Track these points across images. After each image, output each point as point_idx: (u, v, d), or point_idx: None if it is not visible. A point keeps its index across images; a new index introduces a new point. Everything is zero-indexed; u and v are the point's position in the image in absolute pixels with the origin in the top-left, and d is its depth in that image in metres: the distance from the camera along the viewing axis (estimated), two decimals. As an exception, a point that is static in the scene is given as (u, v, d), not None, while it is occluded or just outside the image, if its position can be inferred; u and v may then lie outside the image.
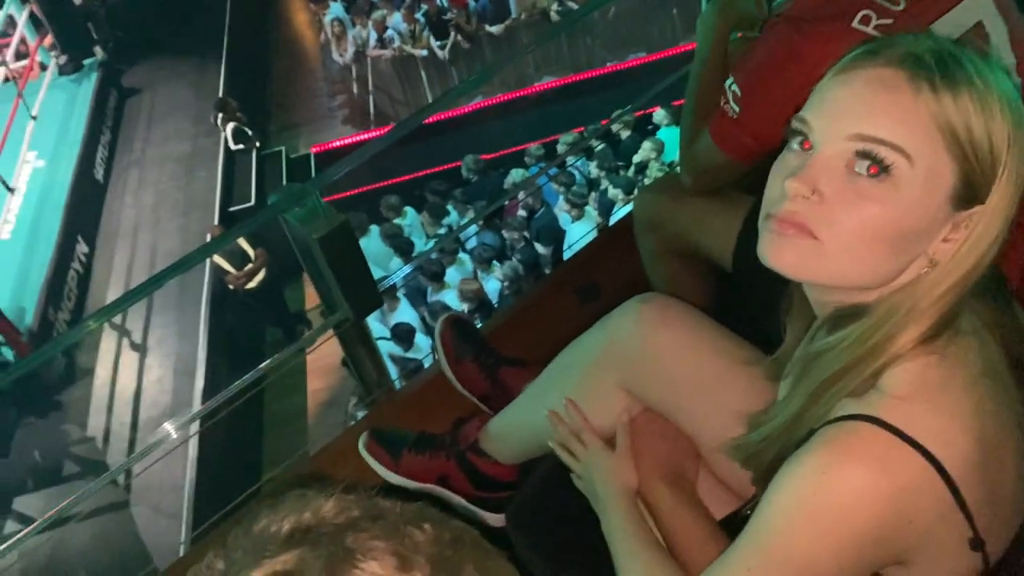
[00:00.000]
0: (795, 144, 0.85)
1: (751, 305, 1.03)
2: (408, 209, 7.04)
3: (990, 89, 0.78)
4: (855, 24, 1.23)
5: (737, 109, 1.35)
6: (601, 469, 1.24)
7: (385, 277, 5.87)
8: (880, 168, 0.79)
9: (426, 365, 5.06)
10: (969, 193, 0.79)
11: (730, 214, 1.48)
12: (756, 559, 0.87)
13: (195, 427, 4.42)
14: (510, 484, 1.56)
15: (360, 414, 5.67)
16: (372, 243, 6.57)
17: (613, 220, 6.17)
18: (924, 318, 0.82)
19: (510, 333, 1.97)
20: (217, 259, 6.90)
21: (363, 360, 1.85)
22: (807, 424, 0.88)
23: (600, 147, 6.95)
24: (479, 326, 2.05)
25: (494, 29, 9.46)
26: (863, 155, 0.79)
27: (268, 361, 1.94)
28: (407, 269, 5.63)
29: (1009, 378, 0.87)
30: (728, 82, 1.37)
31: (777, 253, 0.84)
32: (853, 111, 0.80)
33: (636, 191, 6.29)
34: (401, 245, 6.45)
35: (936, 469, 0.79)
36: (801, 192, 0.81)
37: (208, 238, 7.52)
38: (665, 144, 6.72)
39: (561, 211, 6.52)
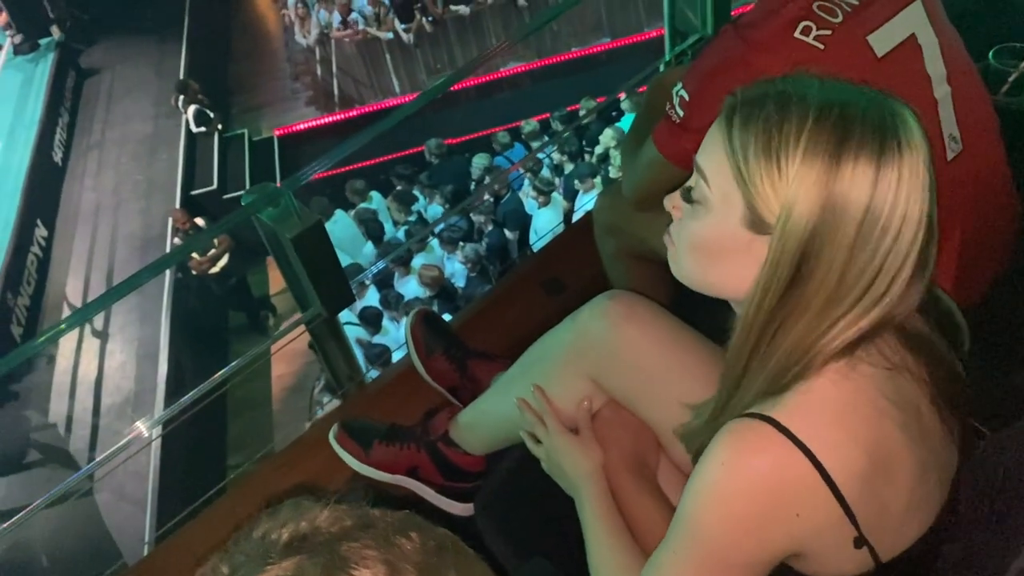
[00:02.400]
0: None
1: (707, 304, 1.10)
2: (374, 193, 7.04)
3: (783, 128, 0.86)
4: (796, 34, 1.29)
5: (681, 113, 1.39)
6: (566, 452, 1.30)
7: (355, 266, 5.89)
8: (690, 192, 0.94)
9: (394, 357, 5.09)
10: (758, 218, 0.89)
11: None
12: (678, 542, 0.97)
13: (158, 431, 4.42)
14: (479, 474, 1.62)
15: (326, 399, 5.69)
16: (338, 228, 6.56)
17: (578, 205, 6.23)
18: (774, 343, 0.91)
19: (478, 326, 2.02)
20: (180, 243, 6.85)
21: (334, 354, 1.89)
22: (724, 418, 0.97)
23: (566, 133, 7.01)
24: (448, 318, 2.10)
25: (460, 8, 9.42)
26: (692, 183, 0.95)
27: (236, 361, 1.96)
28: (381, 264, 5.66)
29: (930, 414, 0.96)
30: (676, 87, 1.42)
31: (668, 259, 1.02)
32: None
33: (600, 178, 6.35)
34: (374, 229, 6.45)
35: (820, 473, 0.87)
36: (668, 208, 0.99)
37: (170, 221, 7.45)
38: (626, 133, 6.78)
39: (527, 196, 6.57)
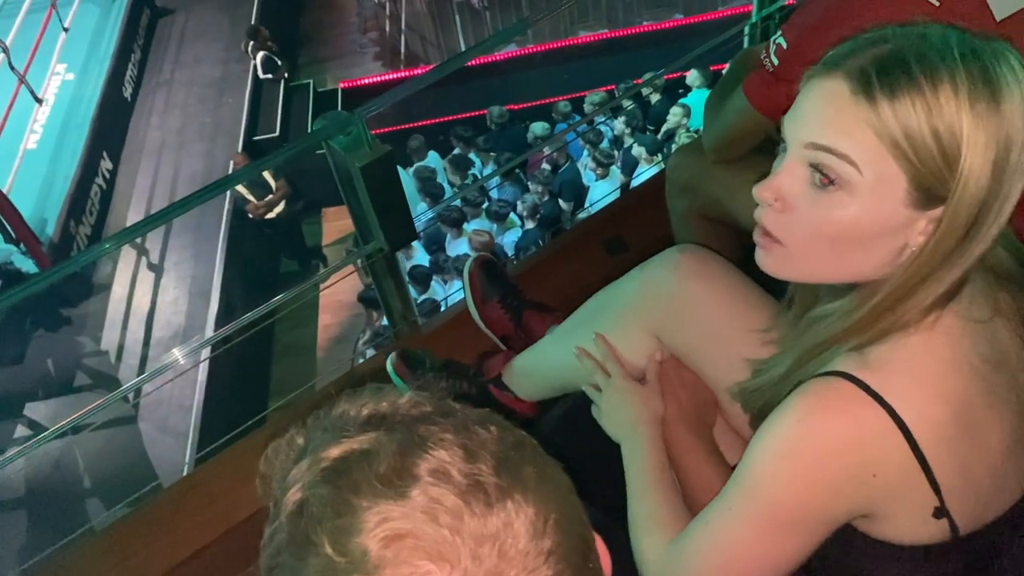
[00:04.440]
0: (780, 147, 0.90)
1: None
2: (432, 153, 7.04)
3: (939, 89, 0.78)
4: None
5: (776, 62, 1.35)
6: (626, 399, 1.28)
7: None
8: (829, 180, 0.83)
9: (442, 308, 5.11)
10: (926, 194, 0.82)
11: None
12: (737, 499, 0.94)
13: (207, 352, 4.47)
14: (526, 422, 1.61)
15: (369, 352, 5.74)
16: (394, 184, 6.55)
17: (636, 180, 6.16)
18: (910, 300, 0.86)
19: (535, 279, 2.01)
20: (238, 187, 6.93)
21: (391, 291, 1.89)
22: (795, 380, 0.94)
23: (630, 107, 6.90)
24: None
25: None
26: (815, 167, 0.84)
27: (285, 293, 1.96)
28: (429, 213, 5.64)
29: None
30: (775, 35, 1.37)
31: (760, 260, 0.93)
32: (807, 120, 0.85)
33: (661, 155, 6.26)
34: (432, 187, 6.44)
35: (901, 430, 0.83)
36: (766, 200, 0.88)
37: (231, 165, 7.54)
38: (693, 110, 6.67)
39: (585, 168, 6.50)
